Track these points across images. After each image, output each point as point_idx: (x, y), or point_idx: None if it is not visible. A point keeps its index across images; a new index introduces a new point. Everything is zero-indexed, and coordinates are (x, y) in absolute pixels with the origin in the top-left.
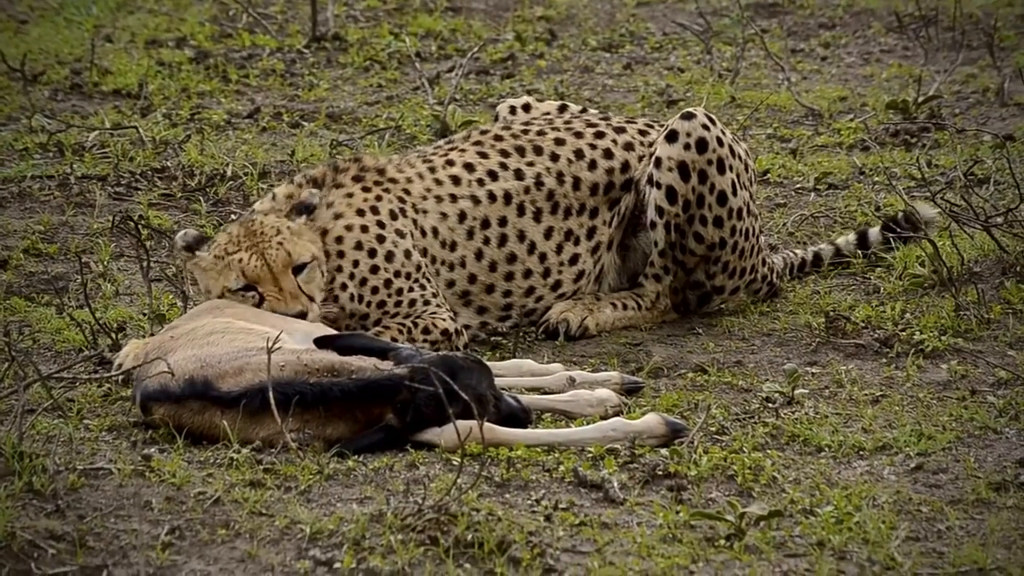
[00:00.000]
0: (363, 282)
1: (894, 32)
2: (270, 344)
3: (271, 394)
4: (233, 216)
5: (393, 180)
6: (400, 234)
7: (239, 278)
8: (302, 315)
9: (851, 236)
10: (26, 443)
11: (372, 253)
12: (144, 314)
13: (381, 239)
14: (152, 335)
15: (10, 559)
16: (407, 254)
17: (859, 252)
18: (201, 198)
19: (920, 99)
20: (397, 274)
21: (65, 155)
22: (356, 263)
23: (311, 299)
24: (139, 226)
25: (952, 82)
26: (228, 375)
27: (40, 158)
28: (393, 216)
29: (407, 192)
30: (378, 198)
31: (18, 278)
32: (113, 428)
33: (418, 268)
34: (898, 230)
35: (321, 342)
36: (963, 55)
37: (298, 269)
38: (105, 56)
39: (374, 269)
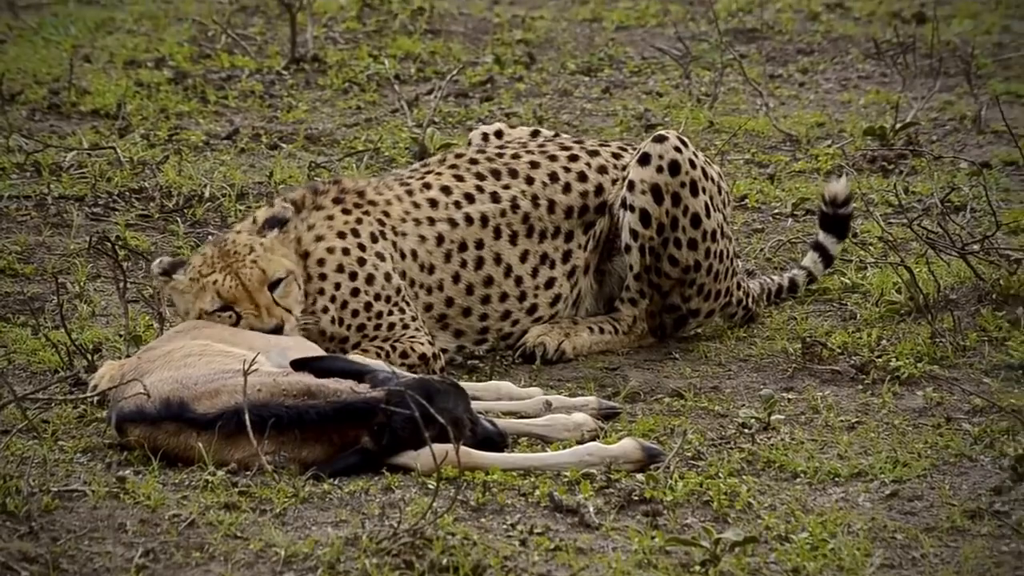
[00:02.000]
0: (344, 305)
1: (872, 59)
2: (246, 366)
3: (247, 416)
4: (210, 236)
5: (373, 203)
6: (380, 257)
7: (215, 299)
8: (278, 329)
9: (815, 255)
10: (0, 464)
11: (353, 276)
12: (120, 335)
13: (362, 262)
14: (128, 356)
15: None
16: (387, 277)
17: (824, 268)
18: (179, 219)
19: (897, 126)
20: (377, 297)
21: (42, 175)
22: (337, 285)
23: (288, 311)
24: (116, 247)
25: (929, 109)
26: (204, 397)
27: (17, 178)
28: (374, 239)
29: (386, 215)
30: (358, 220)
31: None
32: (88, 450)
33: (398, 291)
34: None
35: (298, 364)
36: (940, 82)
37: (274, 285)
38: (83, 76)
39: (355, 292)
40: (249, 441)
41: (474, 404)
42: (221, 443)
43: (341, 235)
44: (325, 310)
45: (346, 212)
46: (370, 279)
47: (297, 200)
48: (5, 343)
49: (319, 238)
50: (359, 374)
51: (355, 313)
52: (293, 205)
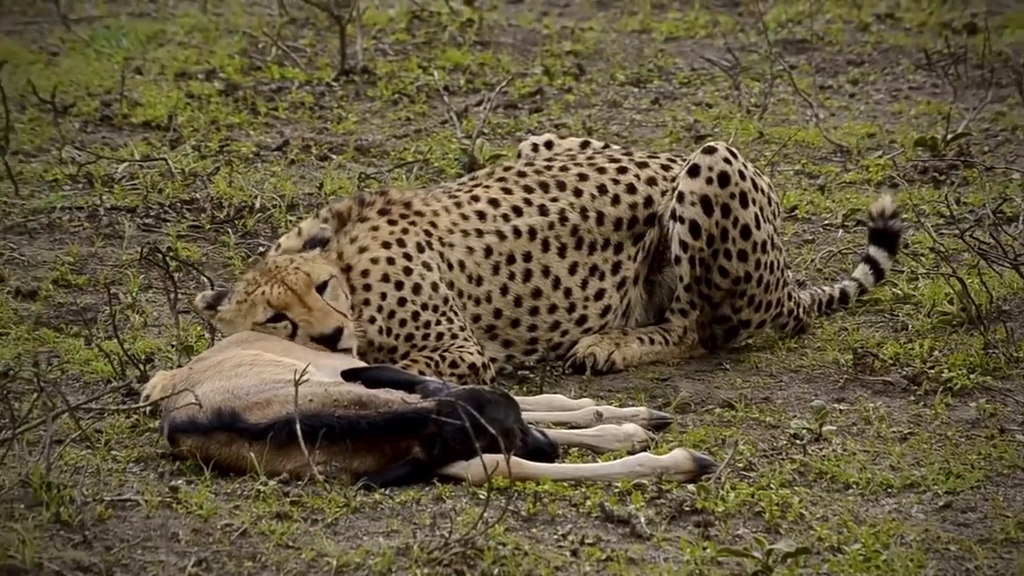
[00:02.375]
0: (391, 315)
1: (923, 69)
2: (297, 376)
3: (298, 426)
4: (261, 248)
5: (420, 213)
6: (427, 267)
7: (266, 309)
8: (339, 332)
9: (866, 267)
10: (54, 474)
11: (399, 285)
12: (172, 346)
13: (408, 271)
14: (180, 367)
15: None
16: (434, 287)
17: (875, 280)
18: (229, 230)
19: (949, 136)
20: (424, 307)
21: (95, 186)
22: (384, 295)
23: (344, 315)
24: (167, 258)
25: (981, 119)
26: (255, 407)
27: (70, 189)
28: (420, 249)
29: (434, 225)
30: (404, 231)
31: (47, 309)
32: (141, 459)
33: (445, 301)
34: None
35: (349, 375)
36: (992, 93)
37: (321, 288)
38: (135, 88)
39: (401, 301)
40: (300, 451)
41: (525, 415)
42: (273, 453)
43: (386, 245)
44: (372, 320)
45: (392, 223)
46: (417, 288)
47: (343, 212)
48: (58, 353)
49: (362, 249)
50: (410, 385)
51: (403, 323)
52: (338, 217)
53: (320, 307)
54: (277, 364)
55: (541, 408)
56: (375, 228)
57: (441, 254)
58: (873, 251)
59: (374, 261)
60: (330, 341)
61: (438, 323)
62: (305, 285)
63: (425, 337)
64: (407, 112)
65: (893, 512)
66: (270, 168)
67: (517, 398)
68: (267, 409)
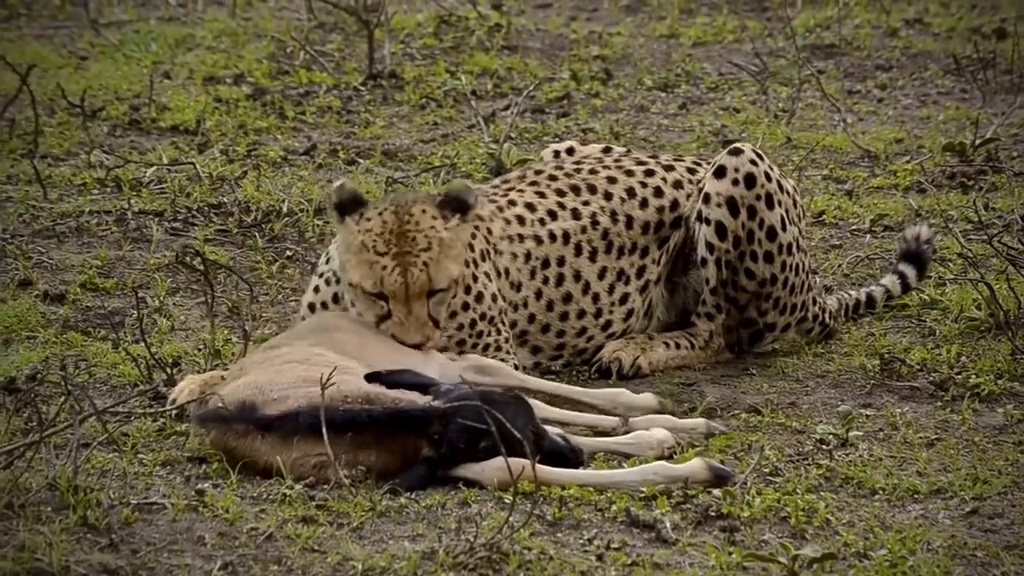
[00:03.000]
0: (452, 315)
1: (951, 74)
2: (324, 379)
3: (316, 418)
4: (288, 253)
5: (480, 218)
6: (488, 277)
7: (376, 284)
8: (419, 346)
9: (894, 277)
10: (81, 477)
11: (467, 290)
12: (199, 349)
13: (475, 278)
14: (208, 370)
15: None
16: (493, 298)
17: (902, 291)
18: (257, 234)
19: (977, 142)
20: (482, 316)
21: (123, 190)
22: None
23: (436, 325)
24: (204, 260)
25: (1010, 125)
26: (274, 403)
27: (98, 193)
28: (483, 257)
29: (490, 232)
30: (472, 235)
31: (75, 312)
32: (167, 463)
33: (500, 312)
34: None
35: (371, 377)
36: (1021, 98)
37: (432, 293)
38: (163, 92)
39: (464, 306)
40: (304, 441)
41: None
42: (279, 444)
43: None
44: None
45: None
46: (479, 297)
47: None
48: (86, 357)
49: None
50: (425, 387)
51: (460, 327)
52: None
53: (419, 316)
54: (328, 366)
55: (606, 403)
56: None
57: (495, 264)
58: (903, 267)
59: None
60: (412, 346)
61: (488, 334)
62: (421, 289)
63: (474, 346)
64: (434, 116)
65: (919, 518)
66: (297, 172)
67: (580, 391)
68: (283, 404)
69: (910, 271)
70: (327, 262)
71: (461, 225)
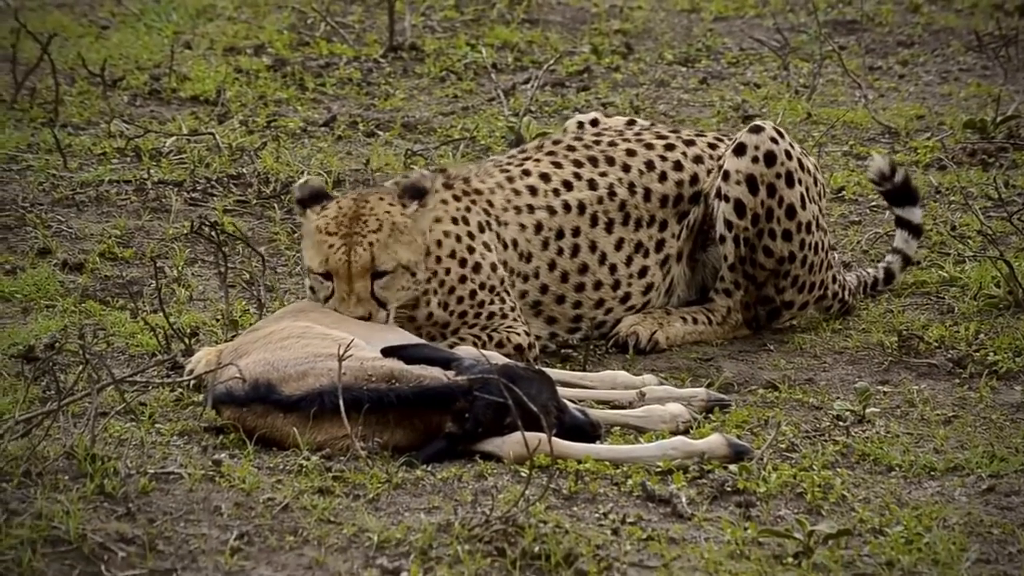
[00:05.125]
0: (451, 290)
1: (973, 51)
2: (342, 351)
3: (339, 398)
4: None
5: (478, 191)
6: (487, 247)
7: (322, 263)
8: (363, 319)
9: (903, 232)
10: (98, 446)
11: (463, 263)
12: (217, 319)
13: (471, 250)
14: (225, 341)
15: (81, 561)
16: (493, 267)
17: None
18: (276, 205)
19: (998, 119)
20: (482, 286)
21: (142, 160)
22: (448, 270)
23: (382, 305)
24: (218, 231)
25: None
26: (291, 379)
27: (118, 163)
28: (481, 228)
29: (491, 204)
30: (467, 208)
31: (94, 282)
32: (184, 433)
33: (501, 282)
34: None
35: (388, 352)
36: None
37: (379, 275)
38: (184, 63)
39: (462, 279)
40: (331, 423)
41: (582, 392)
42: (305, 424)
43: (455, 221)
44: (434, 292)
45: (456, 199)
46: (477, 268)
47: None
48: (104, 326)
49: (437, 220)
50: (446, 362)
51: (460, 300)
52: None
53: (359, 293)
54: (325, 337)
55: (604, 385)
56: (444, 201)
57: (498, 234)
58: (899, 211)
59: (446, 234)
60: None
61: (491, 303)
62: (363, 268)
63: (477, 316)
64: (454, 89)
65: (936, 495)
66: (317, 144)
67: (578, 375)
68: (302, 382)
69: (908, 212)
70: None
71: (420, 211)
